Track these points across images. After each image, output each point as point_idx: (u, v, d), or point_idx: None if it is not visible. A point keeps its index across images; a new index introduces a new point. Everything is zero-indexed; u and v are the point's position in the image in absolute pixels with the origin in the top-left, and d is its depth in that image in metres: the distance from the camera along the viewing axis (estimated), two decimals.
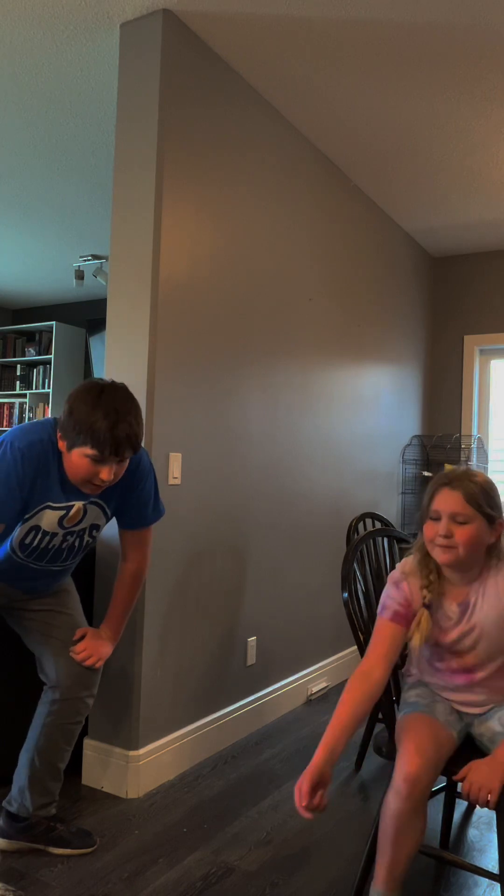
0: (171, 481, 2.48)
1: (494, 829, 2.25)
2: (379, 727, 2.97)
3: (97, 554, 2.47)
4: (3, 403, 6.63)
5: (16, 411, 6.56)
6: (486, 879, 1.97)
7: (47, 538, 1.94)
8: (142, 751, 2.39)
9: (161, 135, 2.41)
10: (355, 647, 3.91)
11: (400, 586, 1.70)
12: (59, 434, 1.85)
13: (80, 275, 5.04)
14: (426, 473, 4.65)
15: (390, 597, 1.70)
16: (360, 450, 3.92)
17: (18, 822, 2.03)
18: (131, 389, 2.41)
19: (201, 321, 2.62)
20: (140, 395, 2.39)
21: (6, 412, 6.62)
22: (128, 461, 1.87)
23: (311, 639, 3.47)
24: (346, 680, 3.76)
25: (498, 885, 1.95)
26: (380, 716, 2.66)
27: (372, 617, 1.89)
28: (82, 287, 5.96)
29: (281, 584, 3.19)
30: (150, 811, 2.28)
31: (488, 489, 1.66)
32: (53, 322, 6.26)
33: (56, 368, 6.25)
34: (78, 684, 2.03)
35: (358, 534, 2.88)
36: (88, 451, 1.78)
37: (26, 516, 1.89)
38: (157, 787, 2.44)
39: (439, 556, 1.64)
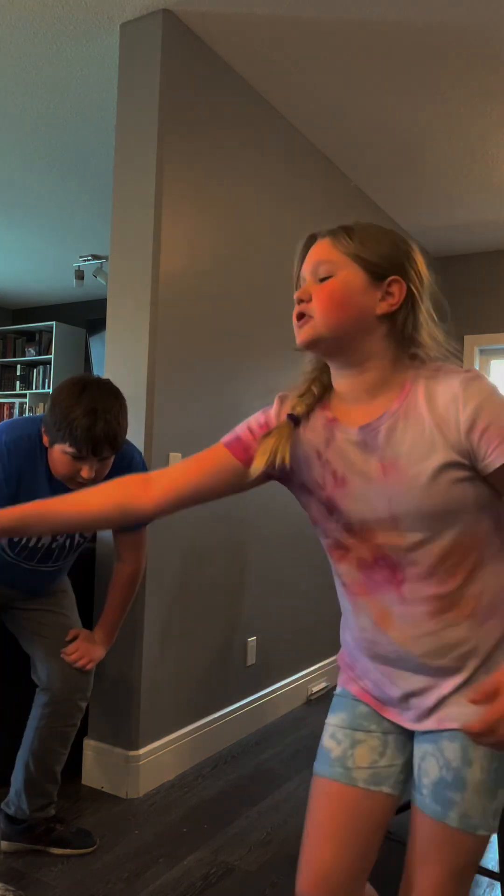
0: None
1: None
2: None
3: (97, 555, 2.47)
4: (3, 403, 6.63)
5: (16, 411, 6.56)
6: (487, 879, 1.97)
7: (35, 538, 1.91)
8: (142, 751, 2.39)
9: (161, 135, 2.41)
10: None
11: (268, 410, 1.18)
12: (43, 429, 1.83)
13: (80, 275, 5.04)
14: None
15: (245, 422, 1.19)
16: None
17: (17, 824, 2.03)
18: (131, 389, 2.41)
19: (201, 321, 2.62)
20: (140, 395, 2.39)
21: (6, 412, 6.62)
22: (111, 460, 1.84)
23: (311, 639, 3.47)
24: None
25: (498, 885, 1.95)
26: None
27: None
28: (82, 287, 5.96)
29: (281, 584, 3.19)
30: (150, 811, 2.28)
31: (380, 234, 1.08)
32: (53, 322, 6.26)
33: (56, 368, 6.25)
34: (69, 687, 2.02)
35: None
36: (67, 448, 1.75)
37: None
38: (157, 787, 2.44)
39: (298, 334, 1.08)
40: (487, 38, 2.53)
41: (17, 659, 2.36)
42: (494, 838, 2.17)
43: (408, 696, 1.10)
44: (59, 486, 1.88)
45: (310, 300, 1.06)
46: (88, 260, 5.13)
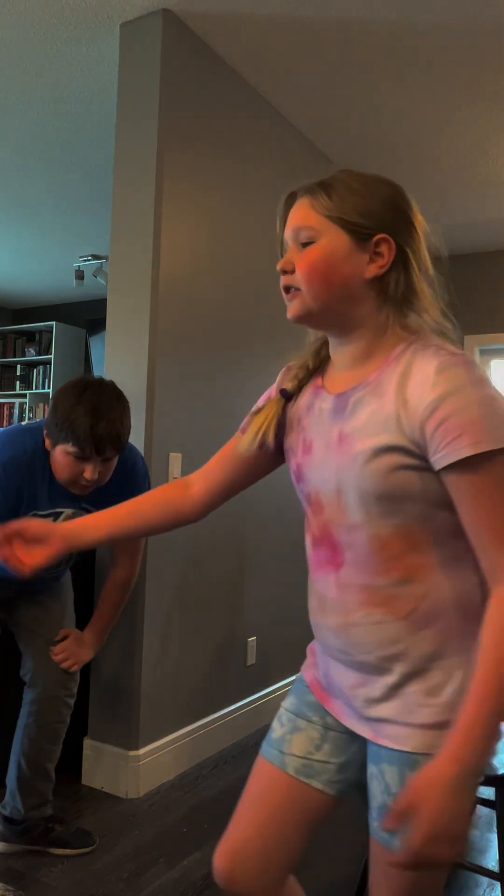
0: (171, 481, 2.47)
1: (494, 828, 2.25)
2: None
3: (97, 558, 2.47)
4: (3, 403, 6.63)
5: (16, 411, 6.56)
6: (487, 879, 1.97)
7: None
8: (142, 751, 2.39)
9: (161, 134, 2.41)
10: None
11: (272, 389, 1.15)
12: (45, 432, 1.81)
13: (80, 275, 5.04)
14: None
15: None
16: None
17: (15, 825, 2.03)
18: (131, 390, 2.41)
19: (201, 321, 2.62)
20: (140, 395, 2.39)
21: (6, 412, 6.62)
22: (114, 461, 1.83)
23: (311, 639, 3.46)
24: None
25: (498, 885, 1.95)
26: None
27: None
28: (82, 287, 5.96)
29: (281, 585, 3.19)
30: (150, 811, 2.28)
31: (364, 184, 0.97)
32: (53, 322, 6.26)
33: (56, 368, 6.26)
34: (54, 684, 2.03)
35: None
36: (70, 448, 1.74)
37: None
38: (157, 787, 2.44)
39: (289, 309, 1.01)
40: (488, 39, 2.53)
41: (8, 658, 2.36)
42: (494, 838, 2.17)
43: (343, 691, 1.04)
44: (60, 497, 1.87)
45: (294, 270, 0.98)
46: (88, 260, 5.13)
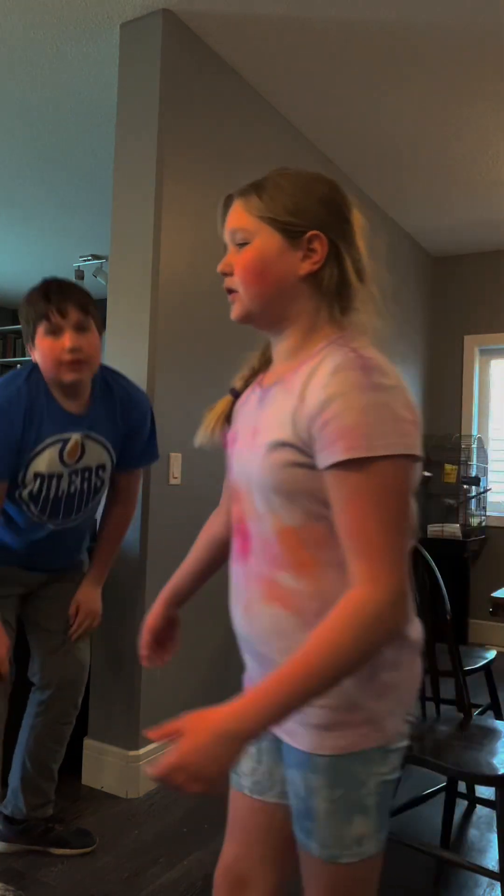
0: (172, 481, 2.48)
1: (494, 828, 2.25)
2: None
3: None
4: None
5: None
6: (487, 879, 1.97)
7: (55, 482, 1.81)
8: (142, 751, 2.39)
9: (161, 134, 2.41)
10: None
11: None
12: (29, 347, 1.78)
13: (80, 275, 5.04)
14: (426, 473, 4.65)
15: None
16: None
17: (15, 824, 2.03)
18: None
19: (201, 321, 2.62)
20: None
21: None
22: (93, 334, 1.76)
23: None
24: None
25: (498, 885, 1.95)
26: None
27: None
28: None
29: None
30: (150, 811, 2.28)
31: (296, 182, 0.99)
32: None
33: None
34: (66, 685, 2.03)
35: None
36: (41, 327, 1.70)
37: (27, 461, 1.77)
38: (158, 787, 2.44)
39: (232, 310, 1.04)
40: (488, 40, 2.53)
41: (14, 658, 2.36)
42: (494, 838, 2.17)
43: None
44: (62, 425, 1.80)
45: (233, 272, 0.99)
46: (88, 260, 5.13)
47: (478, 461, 4.70)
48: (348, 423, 0.85)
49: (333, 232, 0.97)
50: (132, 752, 2.37)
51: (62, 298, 1.71)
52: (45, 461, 1.78)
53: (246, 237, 0.97)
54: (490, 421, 4.89)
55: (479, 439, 4.75)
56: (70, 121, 3.17)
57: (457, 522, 4.60)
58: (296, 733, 0.96)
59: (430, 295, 4.93)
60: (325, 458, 0.88)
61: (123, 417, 1.92)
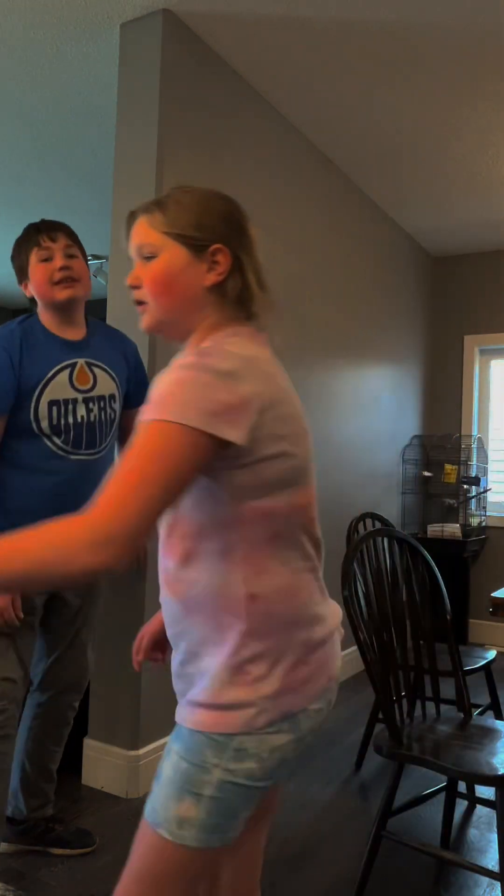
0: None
1: (494, 828, 2.25)
2: (379, 727, 2.97)
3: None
4: None
5: None
6: (487, 879, 1.97)
7: (71, 408, 1.83)
8: (142, 751, 2.39)
9: (161, 135, 2.41)
10: (355, 646, 3.91)
11: None
12: (22, 285, 1.89)
13: None
14: (426, 473, 4.65)
15: None
16: (360, 450, 3.92)
17: (15, 824, 2.03)
18: None
19: None
20: None
21: None
22: (80, 261, 1.88)
23: None
24: (346, 680, 3.76)
25: (498, 885, 1.95)
26: (380, 716, 2.66)
27: (372, 616, 1.89)
28: None
29: None
30: None
31: (193, 199, 1.04)
32: None
33: None
34: (69, 688, 2.03)
35: (358, 534, 2.88)
36: (33, 255, 1.83)
37: (39, 393, 1.79)
38: None
39: (141, 321, 1.09)
40: (488, 39, 2.53)
41: None
42: (494, 838, 2.17)
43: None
44: (60, 353, 1.85)
45: (141, 285, 1.05)
46: (89, 260, 5.12)
47: (478, 461, 4.70)
48: (157, 392, 0.91)
49: (235, 245, 1.04)
50: (132, 752, 2.37)
51: (52, 227, 1.86)
52: (56, 388, 1.81)
53: (152, 251, 1.03)
54: (490, 421, 4.89)
55: (479, 439, 4.75)
56: (70, 121, 3.17)
57: (457, 522, 4.60)
58: (180, 707, 1.01)
59: (430, 295, 4.93)
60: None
61: (124, 353, 2.01)
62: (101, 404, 1.89)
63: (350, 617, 1.84)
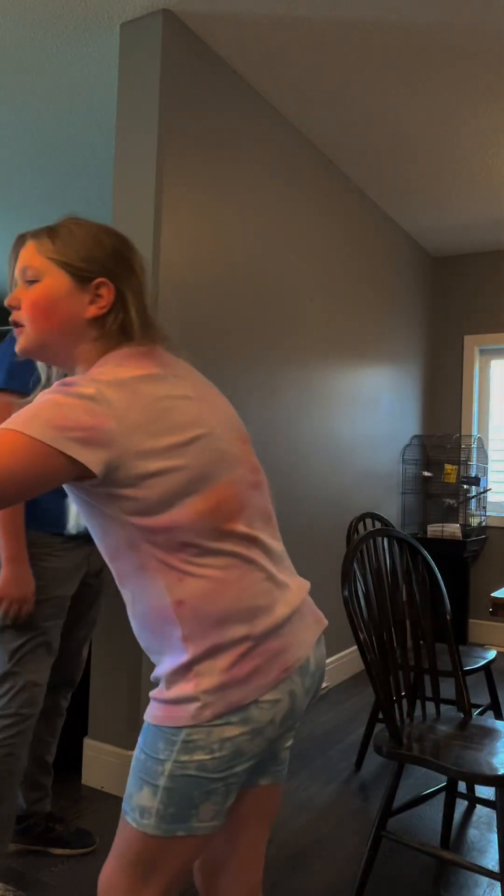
0: None
1: (494, 828, 2.25)
2: (379, 727, 2.97)
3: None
4: None
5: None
6: (487, 879, 1.97)
7: None
8: None
9: (161, 135, 2.41)
10: (355, 647, 3.91)
11: None
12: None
13: None
14: (426, 473, 4.65)
15: None
16: (360, 450, 3.92)
17: (17, 822, 2.03)
18: None
19: (201, 321, 2.62)
20: None
21: None
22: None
23: None
24: (345, 680, 3.77)
25: (498, 885, 1.95)
26: (380, 716, 2.66)
27: (372, 616, 1.89)
28: None
29: None
30: None
31: (85, 231, 1.07)
32: None
33: None
34: (63, 685, 2.05)
35: (358, 534, 2.88)
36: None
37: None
38: None
39: (16, 345, 1.09)
40: (488, 38, 2.53)
41: None
42: (494, 838, 2.17)
43: None
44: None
45: (20, 307, 1.06)
46: None
47: (478, 461, 4.71)
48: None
49: (120, 281, 1.07)
50: (132, 752, 2.37)
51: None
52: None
53: (36, 275, 1.04)
54: (490, 421, 4.89)
55: (479, 439, 4.75)
56: (70, 120, 3.17)
57: (457, 522, 4.60)
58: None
59: (430, 295, 4.93)
60: None
61: None
62: None
63: (350, 617, 1.84)
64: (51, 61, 2.72)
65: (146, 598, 1.01)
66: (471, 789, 2.33)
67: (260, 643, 1.01)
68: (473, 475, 4.54)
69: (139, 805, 1.01)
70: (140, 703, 2.38)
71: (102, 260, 1.06)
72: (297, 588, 1.10)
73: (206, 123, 2.62)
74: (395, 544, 2.07)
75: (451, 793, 2.10)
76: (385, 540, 2.35)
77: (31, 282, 1.05)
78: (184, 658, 1.00)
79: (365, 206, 3.92)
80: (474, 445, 4.70)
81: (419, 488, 4.73)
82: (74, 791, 2.40)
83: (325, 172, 3.48)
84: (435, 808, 2.37)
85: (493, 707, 2.63)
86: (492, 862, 2.06)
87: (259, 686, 1.00)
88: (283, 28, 2.51)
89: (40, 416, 0.90)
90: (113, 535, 1.01)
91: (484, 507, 4.71)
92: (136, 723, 2.38)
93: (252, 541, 1.04)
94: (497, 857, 2.09)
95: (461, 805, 2.39)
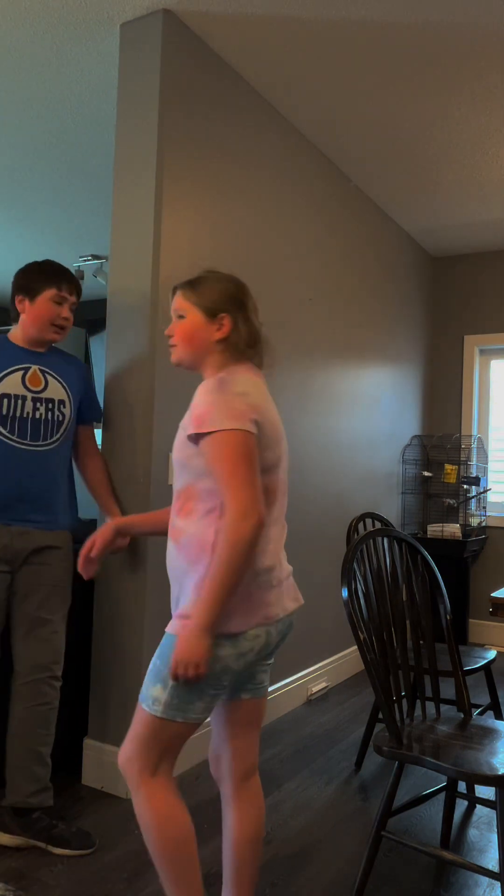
0: (171, 481, 2.48)
1: (494, 828, 2.25)
2: (379, 727, 2.97)
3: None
4: None
5: None
6: (487, 879, 1.97)
7: (20, 403, 2.10)
8: None
9: (161, 135, 2.41)
10: (355, 647, 3.91)
11: None
12: (17, 299, 2.16)
13: (80, 275, 5.04)
14: (426, 473, 4.65)
15: None
16: (360, 450, 3.92)
17: (19, 816, 2.05)
18: (132, 390, 2.42)
19: None
20: (140, 396, 2.39)
21: None
22: (73, 312, 2.21)
23: (311, 639, 3.47)
24: (345, 680, 3.77)
25: (498, 885, 1.95)
26: (380, 716, 2.66)
27: (372, 616, 1.89)
28: (82, 287, 5.95)
29: None
30: None
31: (216, 283, 1.59)
32: None
33: None
34: (38, 670, 2.08)
35: (358, 534, 2.88)
36: (50, 293, 2.13)
37: None
38: None
39: (171, 357, 1.63)
40: (488, 38, 2.53)
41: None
42: (494, 838, 2.17)
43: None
44: (22, 358, 2.15)
45: (173, 335, 1.60)
46: (88, 260, 5.13)
47: (478, 461, 4.70)
48: (196, 412, 1.45)
49: (235, 314, 1.58)
50: None
51: (73, 282, 2.21)
52: (8, 384, 2.11)
53: (182, 313, 1.58)
54: (490, 421, 4.89)
55: (479, 439, 4.75)
56: (70, 121, 3.17)
57: (457, 522, 4.60)
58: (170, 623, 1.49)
59: (430, 295, 4.93)
60: (188, 432, 1.46)
61: (79, 372, 2.30)
62: (50, 405, 2.17)
63: (350, 617, 1.84)
64: (51, 61, 2.72)
65: (199, 532, 1.45)
66: (471, 789, 2.33)
67: (259, 589, 1.47)
68: (473, 475, 4.54)
69: (152, 696, 1.44)
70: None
71: (224, 302, 1.57)
72: (286, 567, 1.57)
73: (205, 123, 2.62)
74: (395, 544, 2.07)
75: (451, 793, 2.10)
76: (385, 540, 2.35)
77: (181, 317, 1.57)
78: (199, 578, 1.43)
79: (365, 206, 3.92)
80: (474, 445, 4.70)
81: (419, 488, 4.73)
82: (74, 791, 2.40)
83: (325, 172, 3.48)
84: (435, 808, 2.37)
85: (493, 707, 2.63)
86: (492, 862, 2.06)
87: (249, 622, 1.45)
88: (284, 28, 2.51)
89: (224, 414, 1.43)
90: (205, 484, 1.46)
91: (484, 507, 4.71)
92: None
93: (275, 521, 1.53)
94: (497, 857, 2.09)
95: (461, 805, 2.39)
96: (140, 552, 2.39)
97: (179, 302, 1.59)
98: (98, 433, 2.51)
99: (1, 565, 2.08)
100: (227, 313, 1.56)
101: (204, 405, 1.44)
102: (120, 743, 2.39)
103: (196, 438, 1.44)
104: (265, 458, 1.47)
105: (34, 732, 2.07)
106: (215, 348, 1.58)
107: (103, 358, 6.20)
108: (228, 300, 1.57)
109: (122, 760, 1.48)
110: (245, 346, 1.58)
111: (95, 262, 5.10)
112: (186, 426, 1.48)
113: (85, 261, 5.15)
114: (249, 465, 1.40)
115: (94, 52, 2.65)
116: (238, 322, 1.57)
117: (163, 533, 1.77)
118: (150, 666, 1.47)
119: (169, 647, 1.43)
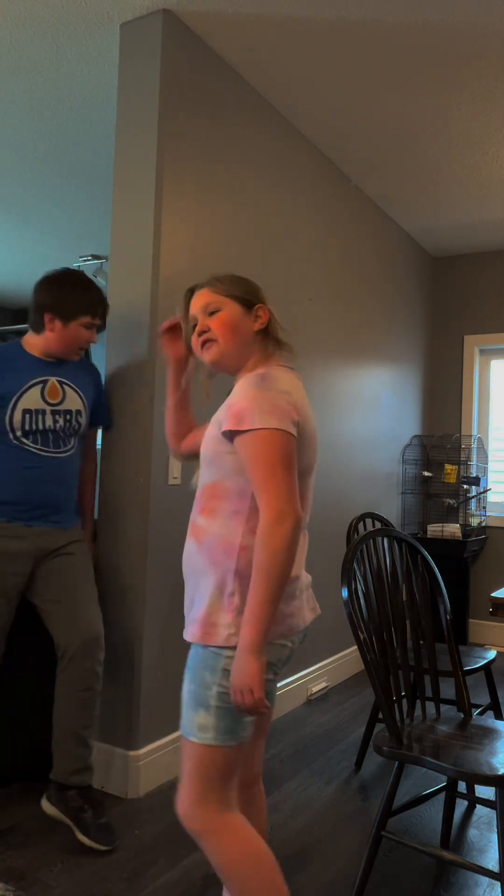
0: (171, 481, 2.48)
1: (494, 828, 2.25)
2: (379, 727, 2.97)
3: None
4: None
5: None
6: (487, 879, 1.97)
7: (41, 417, 2.17)
8: (142, 751, 2.39)
9: (161, 135, 2.41)
10: (355, 647, 3.91)
11: None
12: (48, 317, 2.17)
13: None
14: (426, 473, 4.65)
15: None
16: (360, 450, 3.92)
17: (61, 789, 2.11)
18: (132, 390, 2.42)
19: None
20: (140, 396, 2.39)
21: None
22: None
23: (311, 639, 3.47)
24: (345, 680, 3.77)
25: (498, 885, 1.95)
26: (380, 716, 2.66)
27: (372, 616, 1.89)
28: None
29: None
30: (150, 811, 2.28)
31: (238, 279, 1.53)
32: None
33: None
34: (79, 653, 2.13)
35: (358, 534, 2.88)
36: (86, 319, 2.18)
37: (14, 401, 2.13)
38: (157, 787, 2.44)
39: (205, 355, 1.49)
40: (488, 38, 2.53)
41: (35, 643, 2.36)
42: (494, 838, 2.17)
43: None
44: (40, 372, 2.20)
45: (209, 330, 1.48)
46: (88, 260, 5.13)
47: (478, 461, 4.70)
48: (237, 407, 1.35)
49: (266, 305, 1.52)
50: (132, 752, 2.37)
51: (106, 307, 2.26)
52: (30, 400, 2.16)
53: (217, 307, 1.48)
54: (490, 421, 4.89)
55: (479, 439, 4.75)
56: (70, 121, 3.17)
57: (457, 522, 4.60)
58: (188, 630, 1.41)
59: (430, 295, 4.93)
60: (223, 427, 1.36)
61: (94, 380, 2.35)
62: (68, 416, 2.23)
63: (350, 617, 1.84)
64: (51, 61, 2.72)
65: (223, 534, 1.37)
66: (471, 789, 2.33)
67: (284, 603, 1.37)
68: (473, 475, 4.54)
69: (198, 724, 1.33)
70: (140, 703, 2.38)
71: (254, 294, 1.52)
72: (306, 577, 1.49)
73: (205, 123, 2.62)
74: (395, 544, 2.07)
75: (451, 793, 2.10)
76: (385, 540, 2.35)
77: (213, 312, 1.48)
78: (228, 587, 1.35)
79: (365, 206, 3.92)
80: (474, 445, 4.70)
81: (419, 488, 4.73)
82: None
83: (325, 172, 3.48)
84: (435, 808, 2.37)
85: (493, 707, 2.63)
86: (492, 862, 2.06)
87: (275, 631, 1.35)
88: (284, 28, 2.51)
89: (267, 412, 1.34)
90: (233, 484, 1.38)
91: (484, 507, 4.71)
92: (136, 723, 2.38)
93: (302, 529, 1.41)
94: (497, 857, 2.09)
95: (461, 805, 2.39)
96: (140, 552, 2.39)
97: (209, 297, 1.49)
98: (98, 433, 2.51)
99: (23, 566, 2.16)
100: (262, 304, 1.51)
101: (245, 400, 1.34)
102: (120, 743, 2.40)
103: (231, 435, 1.35)
104: (300, 463, 1.39)
105: (75, 714, 2.13)
106: (255, 339, 1.50)
107: (103, 357, 6.20)
108: (256, 293, 1.52)
109: (186, 808, 1.34)
110: (278, 338, 1.52)
111: (95, 262, 5.10)
112: (221, 421, 1.38)
113: (85, 261, 5.15)
114: (288, 467, 1.31)
115: (94, 52, 2.65)
116: (271, 315, 1.52)
117: (180, 429, 1.73)
118: (185, 697, 1.36)
119: (200, 663, 1.34)
